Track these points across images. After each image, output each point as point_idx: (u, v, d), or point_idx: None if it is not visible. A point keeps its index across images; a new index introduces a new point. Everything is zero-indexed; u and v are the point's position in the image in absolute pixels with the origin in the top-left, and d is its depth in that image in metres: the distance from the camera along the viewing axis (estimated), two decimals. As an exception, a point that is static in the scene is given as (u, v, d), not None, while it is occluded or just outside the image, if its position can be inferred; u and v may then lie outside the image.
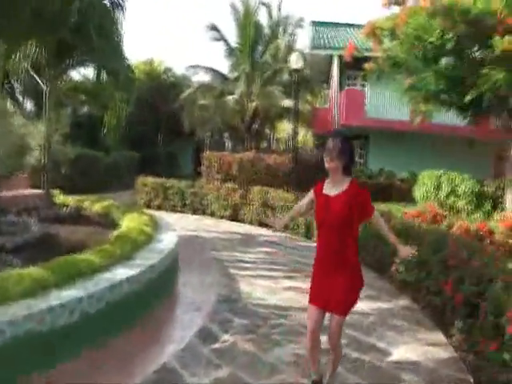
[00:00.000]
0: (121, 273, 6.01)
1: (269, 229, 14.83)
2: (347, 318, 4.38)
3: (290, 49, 29.07)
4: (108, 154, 27.22)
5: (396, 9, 17.23)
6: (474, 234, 11.30)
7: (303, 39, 61.41)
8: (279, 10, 29.45)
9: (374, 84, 23.89)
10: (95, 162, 24.54)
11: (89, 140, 27.72)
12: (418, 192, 18.44)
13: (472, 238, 10.97)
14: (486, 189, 17.49)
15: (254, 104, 26.40)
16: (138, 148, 32.18)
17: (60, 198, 12.78)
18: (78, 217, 10.89)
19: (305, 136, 38.22)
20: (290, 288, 8.18)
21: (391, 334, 6.34)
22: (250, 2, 27.68)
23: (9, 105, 18.60)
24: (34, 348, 4.58)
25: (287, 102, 25.42)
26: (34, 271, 5.28)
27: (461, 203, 16.96)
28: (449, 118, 22.39)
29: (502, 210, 17.36)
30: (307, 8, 79.78)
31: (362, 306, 6.76)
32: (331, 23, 29.93)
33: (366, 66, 18.53)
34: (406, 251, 4.50)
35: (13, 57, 12.44)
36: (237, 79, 27.80)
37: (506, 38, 13.40)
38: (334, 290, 4.19)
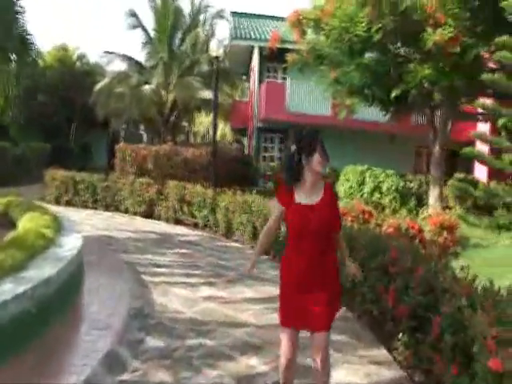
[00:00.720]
0: (7, 289, 4.89)
1: (186, 226, 13.89)
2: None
3: (209, 39, 28.18)
4: (16, 145, 25.43)
5: (321, 0, 16.66)
6: (405, 233, 10.80)
7: (224, 31, 60.46)
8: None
9: (296, 77, 23.33)
10: (2, 154, 22.70)
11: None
12: (341, 188, 17.96)
13: (403, 237, 10.47)
14: (410, 185, 17.18)
15: (171, 95, 25.26)
16: (50, 139, 30.44)
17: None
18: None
19: (223, 130, 37.37)
20: (209, 298, 7.24)
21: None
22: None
23: None
24: None
25: (206, 94, 24.49)
26: None
27: (385, 200, 16.55)
28: (370, 113, 22.16)
29: (427, 206, 17.15)
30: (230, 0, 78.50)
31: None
32: (252, 14, 29.18)
33: (289, 57, 17.89)
34: (353, 269, 4.21)
35: None
36: (154, 68, 26.55)
37: (438, 30, 13.04)
38: (314, 305, 3.73)
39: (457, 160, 24.43)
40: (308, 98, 24.17)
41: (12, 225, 8.34)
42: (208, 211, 13.37)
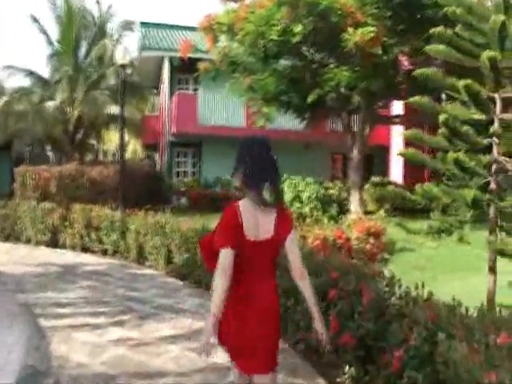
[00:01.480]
0: None
1: (94, 254, 12.70)
2: None
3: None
4: None
5: (234, 5, 15.99)
6: (332, 244, 10.10)
7: (133, 45, 58.80)
8: (97, 2, 26.95)
9: (208, 87, 22.61)
10: None
11: None
12: (260, 200, 17.18)
13: (330, 249, 9.76)
14: (330, 192, 16.64)
15: (77, 111, 23.73)
16: None
17: None
18: None
19: (134, 146, 35.90)
20: (119, 341, 6.15)
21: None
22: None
23: None
24: None
25: (114, 109, 23.16)
26: None
27: (306, 209, 15.89)
28: (285, 121, 21.72)
29: (349, 212, 16.71)
30: (141, 12, 76.85)
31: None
32: (162, 24, 28.06)
33: (201, 66, 17.13)
34: (324, 331, 3.39)
35: None
36: (58, 82, 24.91)
37: (359, 30, 12.56)
38: (261, 339, 3.14)
39: (372, 164, 24.44)
40: (221, 109, 23.44)
41: None
42: (117, 236, 12.18)
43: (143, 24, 26.92)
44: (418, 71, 7.43)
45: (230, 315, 3.07)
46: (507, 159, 6.85)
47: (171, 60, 24.34)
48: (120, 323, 6.86)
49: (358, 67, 14.41)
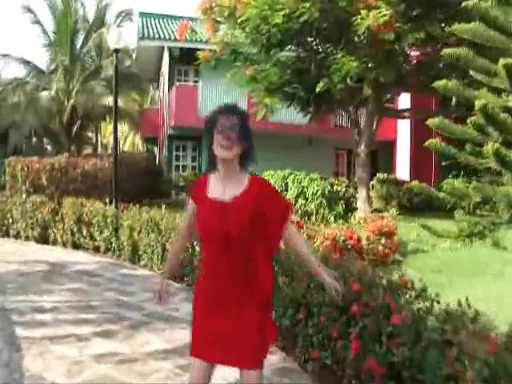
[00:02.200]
0: None
1: (86, 251, 11.90)
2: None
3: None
4: None
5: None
6: (343, 245, 9.28)
7: (132, 36, 57.79)
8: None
9: (208, 80, 21.94)
10: None
11: None
12: (262, 196, 16.39)
13: (341, 250, 8.98)
14: (337, 188, 15.83)
15: (72, 102, 22.92)
16: None
17: None
18: None
19: (133, 140, 35.16)
20: (103, 356, 5.33)
21: None
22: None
23: None
24: None
25: (112, 101, 22.38)
26: None
27: (311, 206, 15.08)
28: (288, 115, 21.00)
29: (356, 210, 15.95)
30: (140, 3, 75.97)
31: (221, 373, 4.38)
32: (161, 15, 27.34)
33: (200, 54, 16.34)
34: (333, 282, 3.04)
35: None
36: (53, 72, 24.12)
37: (372, 13, 11.74)
38: (235, 332, 2.82)
39: (377, 160, 23.64)
40: (222, 101, 22.47)
41: None
42: (110, 232, 11.33)
43: (142, 14, 26.15)
44: (447, 51, 6.60)
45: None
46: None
47: (170, 50, 23.64)
48: (106, 334, 6.04)
49: (367, 57, 13.66)
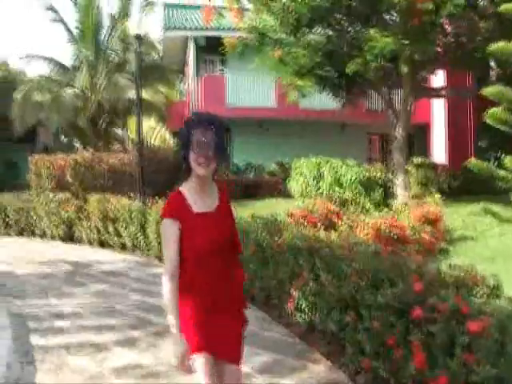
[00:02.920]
0: None
1: (112, 249, 11.35)
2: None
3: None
4: None
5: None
6: (388, 236, 8.52)
7: (157, 28, 57.37)
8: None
9: (235, 69, 21.24)
10: None
11: None
12: (294, 185, 15.67)
13: (386, 241, 8.22)
14: (374, 175, 14.99)
15: (97, 97, 22.42)
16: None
17: None
18: None
19: (162, 134, 34.62)
20: (125, 369, 4.71)
21: None
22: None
23: None
24: None
25: (147, 95, 21.93)
26: None
27: (348, 194, 14.29)
28: (319, 101, 20.23)
29: (394, 197, 15.11)
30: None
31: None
32: (186, 6, 26.75)
33: (227, 41, 15.65)
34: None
35: None
36: (78, 69, 23.63)
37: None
38: (225, 332, 2.84)
39: (411, 144, 22.67)
40: (250, 90, 21.97)
41: None
42: (136, 229, 10.67)
43: (166, 5, 25.56)
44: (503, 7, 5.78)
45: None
46: None
47: (196, 40, 23.00)
48: (129, 343, 5.41)
49: (402, 33, 12.82)
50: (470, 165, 9.17)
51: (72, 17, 27.83)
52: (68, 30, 24.65)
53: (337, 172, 14.83)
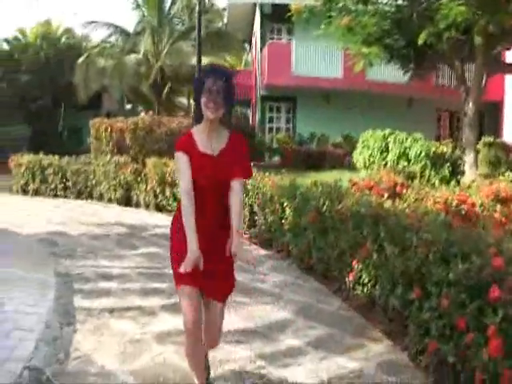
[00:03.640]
0: None
1: (169, 214, 11.08)
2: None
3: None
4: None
5: None
6: (457, 211, 7.91)
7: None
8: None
9: (302, 37, 20.61)
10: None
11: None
12: (360, 157, 15.11)
13: (457, 216, 7.61)
14: (443, 150, 14.26)
15: (160, 63, 22.27)
16: (34, 123, 27.72)
17: None
18: None
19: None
20: (167, 336, 4.40)
21: None
22: None
23: None
24: None
25: (203, 62, 21.58)
26: None
27: (414, 168, 13.63)
28: (387, 74, 19.49)
29: (462, 174, 14.34)
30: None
31: (309, 365, 3.79)
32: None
33: (294, 6, 15.04)
34: (246, 256, 3.02)
35: None
36: (140, 34, 23.54)
37: None
38: (212, 271, 3.11)
39: (482, 122, 21.59)
40: (317, 59, 21.33)
41: None
42: (194, 193, 10.40)
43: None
44: None
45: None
46: None
47: (262, 7, 22.45)
48: (175, 308, 5.07)
49: (477, 2, 11.96)
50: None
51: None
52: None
53: (403, 145, 14.16)
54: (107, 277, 6.21)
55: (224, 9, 27.16)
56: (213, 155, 3.16)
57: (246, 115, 29.41)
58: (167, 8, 24.68)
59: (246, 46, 31.94)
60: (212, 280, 3.16)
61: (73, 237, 8.72)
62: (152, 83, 22.95)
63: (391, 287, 4.27)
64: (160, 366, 3.84)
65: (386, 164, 14.15)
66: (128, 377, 3.68)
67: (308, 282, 5.93)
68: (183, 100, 32.20)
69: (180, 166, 3.12)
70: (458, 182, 12.88)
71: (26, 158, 15.16)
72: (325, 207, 5.83)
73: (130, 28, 25.94)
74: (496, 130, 22.34)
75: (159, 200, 11.46)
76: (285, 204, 7.14)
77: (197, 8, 11.62)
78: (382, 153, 14.44)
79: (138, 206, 12.22)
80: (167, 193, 11.23)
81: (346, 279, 5.17)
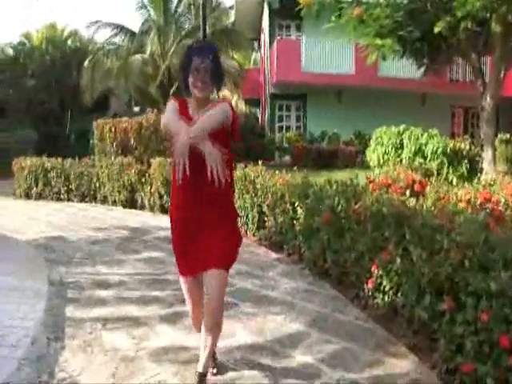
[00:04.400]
0: None
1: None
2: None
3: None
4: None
5: None
6: (481, 210, 7.39)
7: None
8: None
9: (311, 33, 20.18)
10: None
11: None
12: (374, 155, 14.60)
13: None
14: (460, 146, 13.74)
15: (167, 64, 21.80)
16: (41, 127, 27.45)
17: None
18: None
19: (235, 102, 33.93)
20: (164, 352, 3.89)
21: None
22: None
23: None
24: None
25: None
26: None
27: (431, 165, 13.11)
28: (399, 69, 19.06)
29: (480, 172, 13.82)
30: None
31: None
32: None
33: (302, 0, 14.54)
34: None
35: None
36: (146, 34, 23.08)
37: None
38: (207, 241, 3.15)
39: (498, 118, 21.00)
40: (327, 55, 20.92)
41: None
42: (199, 194, 9.93)
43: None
44: None
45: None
46: None
47: (270, 3, 21.98)
48: (174, 319, 4.60)
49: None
50: None
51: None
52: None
53: (418, 141, 13.63)
54: (104, 285, 5.72)
55: (231, 7, 26.70)
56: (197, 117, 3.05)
57: (255, 114, 29.00)
58: (173, 7, 24.22)
59: (255, 44, 31.50)
60: (208, 251, 3.14)
61: (71, 242, 8.25)
62: (159, 83, 22.48)
63: (417, 296, 3.75)
64: (153, 392, 3.35)
65: (400, 161, 13.65)
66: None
67: (322, 288, 5.40)
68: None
69: (167, 109, 3.07)
70: (474, 180, 12.39)
71: (29, 161, 14.76)
72: (340, 207, 5.32)
73: (136, 28, 25.55)
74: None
75: (164, 201, 10.98)
76: (296, 204, 6.64)
77: (201, 2, 11.07)
78: (396, 150, 13.93)
79: (142, 208, 11.75)
80: (172, 194, 10.75)
81: (365, 286, 4.64)
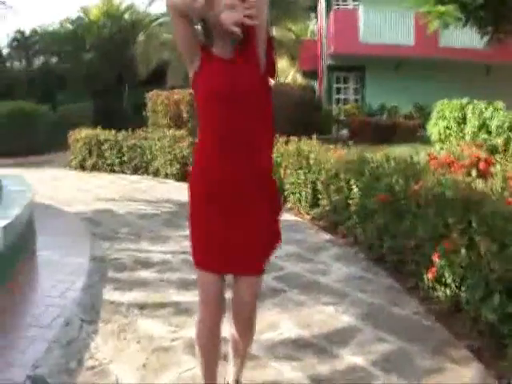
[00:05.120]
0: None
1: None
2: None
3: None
4: (55, 110, 22.60)
5: None
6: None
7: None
8: None
9: (370, 1, 19.45)
10: (34, 120, 19.70)
11: (44, 96, 24.59)
12: (435, 130, 13.93)
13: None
14: (530, 121, 12.89)
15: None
16: (99, 100, 27.61)
17: None
18: None
19: (293, 74, 33.29)
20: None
21: None
22: None
23: None
24: None
25: (276, 33, 20.77)
26: None
27: (497, 141, 12.35)
28: (460, 39, 18.12)
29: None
30: None
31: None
32: None
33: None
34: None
35: None
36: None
37: None
38: (236, 239, 2.41)
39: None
40: (386, 26, 20.16)
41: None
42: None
43: None
44: None
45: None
46: None
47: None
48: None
49: None
50: None
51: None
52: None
53: (482, 115, 12.87)
54: (147, 264, 5.47)
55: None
56: (231, 59, 2.40)
57: (312, 87, 28.39)
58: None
59: (313, 14, 30.76)
60: (242, 245, 2.44)
61: (119, 215, 8.08)
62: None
63: (484, 295, 3.31)
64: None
65: (463, 136, 12.95)
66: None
67: (378, 275, 4.98)
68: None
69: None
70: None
71: (84, 133, 14.72)
72: (398, 187, 4.88)
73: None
74: None
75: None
76: (352, 182, 6.21)
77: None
78: (459, 124, 13.23)
79: (194, 181, 11.55)
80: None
81: (425, 276, 4.20)
